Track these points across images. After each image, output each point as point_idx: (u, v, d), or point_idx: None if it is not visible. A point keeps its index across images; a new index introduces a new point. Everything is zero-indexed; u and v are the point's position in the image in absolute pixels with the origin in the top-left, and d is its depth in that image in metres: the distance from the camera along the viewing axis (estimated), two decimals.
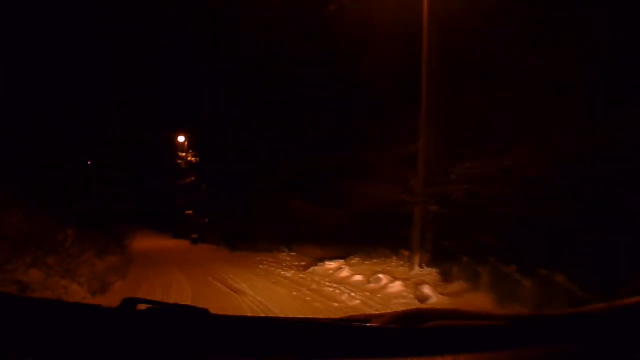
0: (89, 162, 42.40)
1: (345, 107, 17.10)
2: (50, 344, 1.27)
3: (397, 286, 9.67)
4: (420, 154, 11.60)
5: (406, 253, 12.97)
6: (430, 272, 11.22)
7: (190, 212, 32.03)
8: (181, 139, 34.09)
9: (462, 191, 10.96)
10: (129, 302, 1.56)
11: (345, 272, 11.51)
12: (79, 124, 23.61)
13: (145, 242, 28.45)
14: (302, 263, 15.34)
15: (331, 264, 12.64)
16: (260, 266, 14.84)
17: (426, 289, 8.84)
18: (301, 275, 12.22)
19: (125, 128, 34.17)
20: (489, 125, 10.83)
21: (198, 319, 1.52)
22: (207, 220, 29.17)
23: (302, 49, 18.65)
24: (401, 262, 12.75)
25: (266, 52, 21.73)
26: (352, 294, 9.29)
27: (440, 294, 8.95)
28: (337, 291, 9.59)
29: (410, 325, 1.47)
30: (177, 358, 1.26)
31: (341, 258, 13.97)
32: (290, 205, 19.72)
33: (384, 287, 9.80)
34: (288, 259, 16.88)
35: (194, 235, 28.22)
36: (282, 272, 12.99)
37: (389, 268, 12.26)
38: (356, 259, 13.79)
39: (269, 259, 16.96)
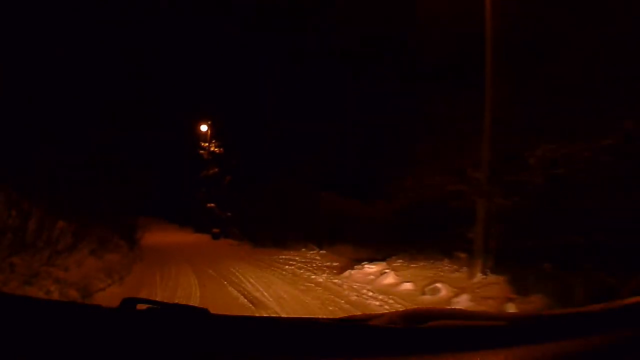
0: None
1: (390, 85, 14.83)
2: (50, 344, 1.24)
3: (463, 301, 7.44)
4: (486, 134, 9.28)
5: (462, 255, 10.75)
6: (498, 281, 8.93)
7: (212, 205, 30.19)
8: (204, 128, 32.24)
9: (542, 178, 8.63)
10: (129, 302, 1.54)
11: (390, 279, 9.33)
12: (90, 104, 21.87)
13: (161, 237, 26.65)
14: (335, 264, 13.22)
15: (371, 267, 10.48)
16: (287, 267, 12.76)
17: (510, 307, 6.61)
18: (336, 281, 10.06)
19: (143, 115, 32.61)
20: (580, 99, 8.50)
21: (198, 319, 1.51)
22: (230, 214, 27.25)
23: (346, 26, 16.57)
24: (455, 267, 10.51)
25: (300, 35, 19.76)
26: None
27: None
28: (386, 306, 7.42)
29: (410, 325, 1.51)
30: (178, 358, 1.24)
31: (381, 260, 11.82)
32: (322, 199, 17.58)
33: (446, 300, 7.59)
34: (318, 258, 14.77)
35: (215, 230, 26.35)
36: (313, 277, 10.87)
37: (442, 274, 10.05)
38: (399, 261, 11.59)
39: (297, 258, 14.88)
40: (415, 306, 7.57)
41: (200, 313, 1.55)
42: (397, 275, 9.51)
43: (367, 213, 15.25)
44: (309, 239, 17.48)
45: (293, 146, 21.81)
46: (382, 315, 1.64)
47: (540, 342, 1.26)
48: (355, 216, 15.80)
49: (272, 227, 20.61)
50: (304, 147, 20.22)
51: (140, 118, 40.92)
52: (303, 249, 17.01)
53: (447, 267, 10.52)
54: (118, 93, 29.90)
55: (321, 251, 16.19)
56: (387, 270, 9.82)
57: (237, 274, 11.34)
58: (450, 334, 1.40)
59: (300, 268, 12.50)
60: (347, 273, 10.58)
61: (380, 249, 13.56)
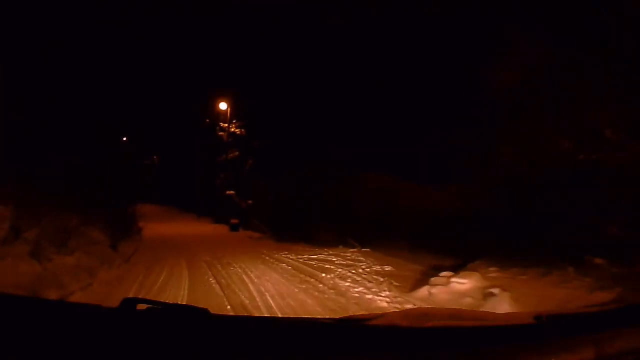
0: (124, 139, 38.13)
1: None
2: (50, 344, 1.24)
3: None
4: None
5: (598, 261, 7.00)
6: None
7: (231, 192, 26.67)
8: (223, 106, 28.62)
9: None
10: (129, 302, 1.54)
11: (504, 305, 5.51)
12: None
13: (171, 228, 23.34)
14: (388, 268, 9.59)
15: (462, 282, 6.68)
16: (323, 276, 9.02)
17: None
18: (411, 307, 6.27)
19: (155, 92, 29.41)
20: None
21: (199, 319, 1.51)
22: (250, 202, 23.65)
23: None
24: (590, 280, 6.67)
25: None
26: None
27: None
28: None
29: (410, 325, 1.50)
30: (178, 358, 1.23)
31: (461, 265, 8.06)
32: (364, 181, 13.78)
33: None
34: (362, 259, 11.03)
35: (234, 221, 22.81)
36: (368, 296, 7.07)
37: (578, 293, 6.19)
38: (492, 269, 7.76)
39: (333, 259, 11.18)
40: None
41: (200, 313, 1.53)
42: (514, 299, 5.67)
43: (429, 198, 11.41)
44: (345, 233, 13.75)
45: (326, 121, 18.06)
46: (382, 315, 1.67)
47: (541, 343, 1.27)
48: (411, 203, 11.97)
49: (299, 218, 16.92)
50: (340, 120, 16.39)
51: (151, 95, 37.87)
52: (340, 246, 13.28)
53: (578, 282, 6.66)
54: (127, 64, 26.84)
55: (363, 249, 12.46)
56: (493, 290, 5.96)
57: (250, 288, 7.66)
58: (450, 334, 1.41)
59: (343, 277, 8.75)
60: (424, 291, 6.78)
61: (451, 248, 9.80)
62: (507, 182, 8.41)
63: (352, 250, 12.59)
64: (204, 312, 1.52)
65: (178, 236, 19.31)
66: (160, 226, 23.98)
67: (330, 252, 12.53)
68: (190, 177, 35.40)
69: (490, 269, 7.72)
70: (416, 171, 12.61)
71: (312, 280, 8.40)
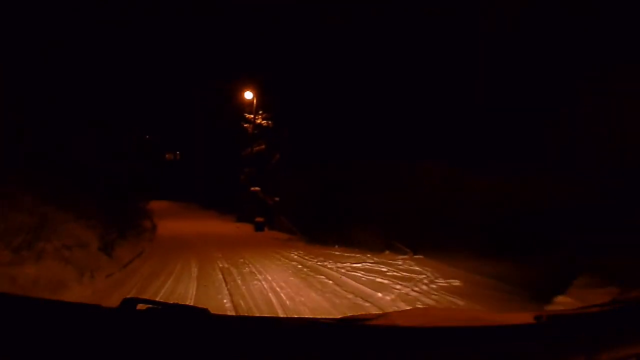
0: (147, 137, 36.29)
1: None
2: (49, 344, 1.22)
3: None
4: None
5: None
6: None
7: (256, 189, 24.51)
8: (249, 95, 26.43)
9: None
10: (129, 302, 1.51)
11: None
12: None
13: (188, 226, 21.39)
14: (457, 284, 7.28)
15: None
16: (380, 296, 6.70)
17: None
18: None
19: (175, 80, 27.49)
20: None
21: (199, 319, 1.49)
22: (277, 199, 21.40)
23: None
24: None
25: None
26: None
27: None
28: None
29: (410, 325, 1.49)
30: (178, 359, 1.22)
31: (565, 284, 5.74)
32: (418, 172, 11.43)
33: None
34: (418, 270, 8.73)
35: (259, 220, 20.62)
36: None
37: None
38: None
39: (383, 269, 8.90)
40: None
41: (200, 313, 1.52)
42: None
43: (501, 190, 9.01)
44: (391, 235, 11.41)
45: (363, 106, 15.71)
46: (383, 315, 1.67)
47: (541, 343, 1.28)
48: (478, 197, 9.58)
49: (335, 217, 14.61)
50: (381, 102, 14.03)
51: (172, 87, 35.99)
52: (386, 251, 10.95)
53: None
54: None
55: (416, 256, 10.11)
56: None
57: (280, 315, 5.35)
58: (450, 334, 1.40)
59: (407, 299, 6.43)
60: None
61: (541, 256, 7.44)
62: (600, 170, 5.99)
63: (402, 257, 10.25)
64: (204, 312, 1.52)
65: (195, 236, 17.20)
66: (177, 224, 22.02)
67: (376, 259, 10.21)
68: (213, 173, 33.41)
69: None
70: (484, 158, 10.18)
71: (367, 305, 6.08)
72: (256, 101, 26.44)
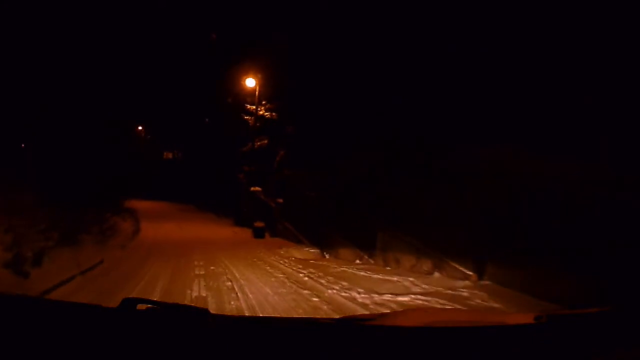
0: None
1: None
2: (49, 344, 1.23)
3: None
4: None
5: None
6: None
7: (257, 189, 21.35)
8: (250, 83, 23.27)
9: None
10: (129, 302, 1.50)
11: None
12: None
13: (178, 230, 18.35)
14: None
15: None
16: None
17: None
18: None
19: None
20: None
21: (199, 319, 1.48)
22: (281, 200, 18.16)
23: None
24: None
25: None
26: None
27: None
28: None
29: (411, 325, 1.49)
30: (178, 359, 1.22)
31: None
32: (473, 159, 8.21)
33: None
34: (494, 308, 5.45)
35: (258, 224, 17.47)
36: None
37: None
38: None
39: (448, 307, 5.62)
40: None
41: (201, 313, 1.51)
42: None
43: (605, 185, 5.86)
44: (439, 248, 8.23)
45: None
46: (383, 315, 1.70)
47: (541, 343, 1.29)
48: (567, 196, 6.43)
49: (355, 222, 11.43)
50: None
51: (168, 77, 32.95)
52: (435, 274, 7.79)
53: None
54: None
55: (483, 282, 6.96)
56: None
57: None
58: (450, 333, 1.40)
59: None
60: None
61: None
62: None
63: (462, 283, 7.06)
64: (204, 312, 1.51)
65: (181, 243, 14.02)
66: (167, 228, 18.89)
67: (425, 286, 7.04)
68: (212, 173, 30.27)
69: None
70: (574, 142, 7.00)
71: None
72: (259, 90, 23.26)
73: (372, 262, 10.01)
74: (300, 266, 9.86)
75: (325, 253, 12.27)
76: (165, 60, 32.43)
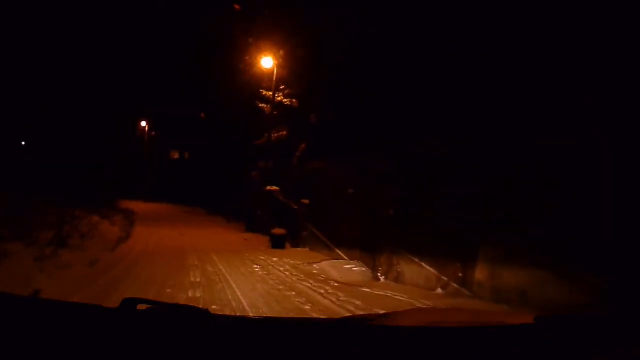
0: None
1: None
2: (49, 344, 1.22)
3: None
4: None
5: None
6: None
7: (273, 188, 17.81)
8: (267, 63, 19.75)
9: None
10: (129, 302, 1.49)
11: None
12: None
13: (176, 237, 14.95)
14: None
15: None
16: None
17: None
18: None
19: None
20: None
21: (199, 319, 1.48)
22: (307, 201, 14.50)
23: None
24: None
25: None
26: None
27: None
28: None
29: (411, 325, 1.50)
30: (178, 358, 1.21)
31: None
32: None
33: None
34: None
35: (277, 232, 13.93)
36: None
37: None
38: None
39: None
40: None
41: (201, 313, 1.51)
42: None
43: None
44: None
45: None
46: (384, 315, 1.66)
47: (541, 342, 1.28)
48: None
49: (428, 228, 7.83)
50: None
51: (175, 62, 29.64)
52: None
53: None
54: None
55: None
56: None
57: None
58: (450, 333, 1.40)
59: None
60: None
61: None
62: None
63: None
64: (205, 312, 1.50)
65: (175, 257, 10.56)
66: (163, 234, 15.48)
67: None
68: (221, 171, 26.77)
69: None
70: None
71: None
72: (277, 72, 19.74)
73: (468, 292, 6.43)
74: (349, 296, 6.37)
75: (379, 273, 8.70)
76: (170, 45, 29.22)
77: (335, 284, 7.91)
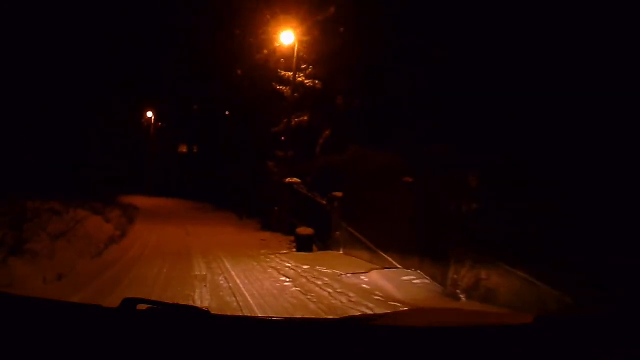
0: None
1: None
2: (50, 344, 1.22)
3: None
4: None
5: None
6: None
7: (294, 180, 15.37)
8: (287, 39, 17.27)
9: None
10: (129, 302, 1.47)
11: None
12: None
13: (181, 237, 12.58)
14: None
15: None
16: None
17: None
18: None
19: None
20: None
21: (200, 320, 1.46)
22: (341, 194, 11.89)
23: None
24: None
25: None
26: None
27: None
28: None
29: (411, 325, 1.47)
30: (178, 359, 1.21)
31: None
32: None
33: None
34: None
35: (303, 231, 11.46)
36: None
37: None
38: None
39: None
40: None
41: (201, 313, 1.49)
42: None
43: None
44: None
45: None
46: (383, 315, 1.62)
47: (541, 342, 1.27)
48: None
49: (540, 230, 5.36)
50: None
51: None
52: None
53: None
54: None
55: None
56: None
57: None
58: (450, 333, 1.38)
59: None
60: None
61: None
62: None
63: None
64: (205, 312, 1.48)
65: (178, 261, 8.14)
66: (167, 233, 13.48)
67: None
68: (233, 164, 24.32)
69: None
70: None
71: None
72: (298, 50, 17.27)
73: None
74: None
75: (457, 290, 6.21)
76: (173, 23, 26.76)
77: (398, 305, 5.49)
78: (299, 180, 15.55)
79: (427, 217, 7.46)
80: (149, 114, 36.26)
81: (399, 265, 8.05)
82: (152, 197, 28.02)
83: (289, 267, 8.51)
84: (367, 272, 7.56)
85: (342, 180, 12.21)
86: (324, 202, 12.50)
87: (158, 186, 32.61)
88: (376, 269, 7.82)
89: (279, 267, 8.39)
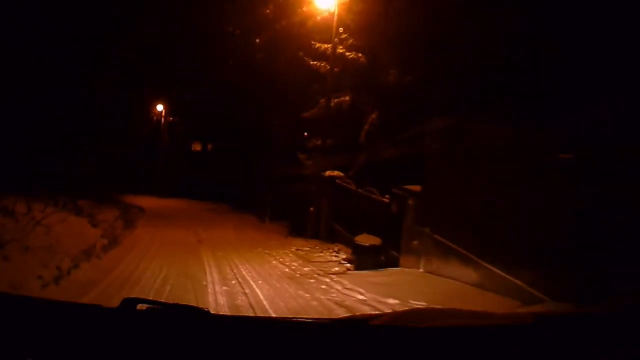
0: None
1: None
2: (50, 344, 1.22)
3: None
4: None
5: None
6: None
7: (335, 174, 12.08)
8: (324, 2, 14.08)
9: None
10: (129, 302, 1.45)
11: None
12: None
13: (191, 246, 9.62)
14: None
15: None
16: None
17: None
18: None
19: None
20: None
21: (200, 320, 1.43)
22: (419, 188, 8.43)
23: None
24: None
25: None
26: None
27: None
28: None
29: (410, 325, 1.45)
30: (178, 358, 1.21)
31: None
32: None
33: None
34: None
35: (366, 241, 8.01)
36: None
37: None
38: None
39: None
40: None
41: (201, 313, 1.47)
42: None
43: None
44: None
45: None
46: (382, 315, 1.60)
47: (541, 342, 1.25)
48: None
49: None
50: None
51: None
52: None
53: None
54: None
55: None
56: None
57: None
58: (450, 333, 1.37)
59: None
60: None
61: None
62: None
63: None
64: (205, 312, 1.47)
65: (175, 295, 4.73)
66: (174, 239, 10.88)
67: None
68: (254, 159, 21.04)
69: None
70: None
71: None
72: (338, 19, 13.99)
73: None
74: None
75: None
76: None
77: None
78: (342, 174, 12.29)
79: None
80: (160, 107, 33.21)
81: (533, 290, 4.78)
82: (160, 198, 25.21)
83: (362, 301, 5.23)
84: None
85: (408, 171, 8.90)
86: (387, 200, 9.19)
87: (169, 186, 29.69)
88: (485, 308, 4.51)
89: (347, 303, 5.12)
